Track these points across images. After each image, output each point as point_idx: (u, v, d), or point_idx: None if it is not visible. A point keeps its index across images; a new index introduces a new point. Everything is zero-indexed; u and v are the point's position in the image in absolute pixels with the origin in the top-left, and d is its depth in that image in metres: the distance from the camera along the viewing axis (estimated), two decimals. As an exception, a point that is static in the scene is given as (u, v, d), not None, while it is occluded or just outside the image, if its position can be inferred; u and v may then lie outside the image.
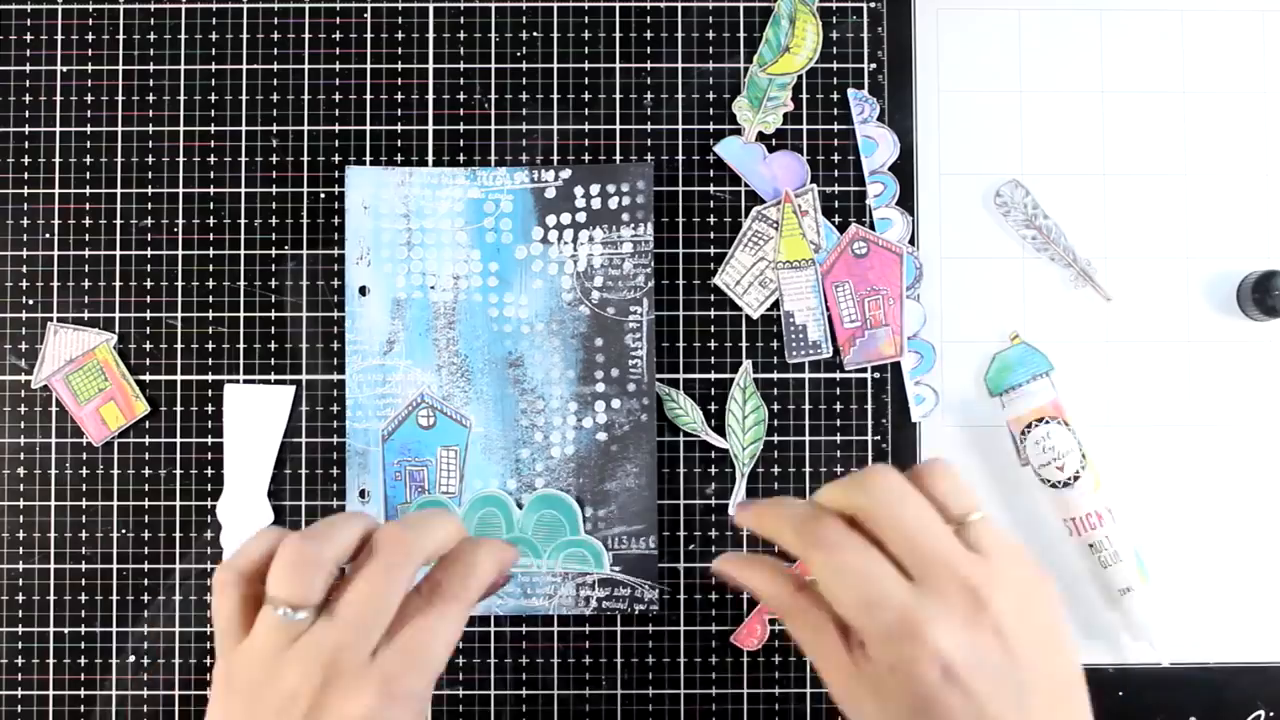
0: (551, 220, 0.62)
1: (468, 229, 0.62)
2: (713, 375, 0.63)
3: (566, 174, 0.62)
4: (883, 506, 0.43)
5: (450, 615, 0.46)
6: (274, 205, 0.63)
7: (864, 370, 0.63)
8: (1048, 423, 0.61)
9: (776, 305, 0.63)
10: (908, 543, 0.42)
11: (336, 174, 0.63)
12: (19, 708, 0.62)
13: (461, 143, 0.63)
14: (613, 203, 0.62)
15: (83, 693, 0.62)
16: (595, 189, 0.62)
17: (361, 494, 0.62)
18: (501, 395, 0.62)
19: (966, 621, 0.40)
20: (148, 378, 0.63)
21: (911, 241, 0.64)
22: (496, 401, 0.62)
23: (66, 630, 0.62)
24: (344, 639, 0.44)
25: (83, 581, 0.62)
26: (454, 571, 0.47)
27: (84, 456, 0.63)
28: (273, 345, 0.63)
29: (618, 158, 0.63)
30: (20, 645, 0.62)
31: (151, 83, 0.63)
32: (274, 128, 0.63)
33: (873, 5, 0.64)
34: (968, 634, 0.40)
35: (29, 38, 0.63)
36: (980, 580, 0.41)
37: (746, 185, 0.64)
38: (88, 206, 0.63)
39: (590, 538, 0.62)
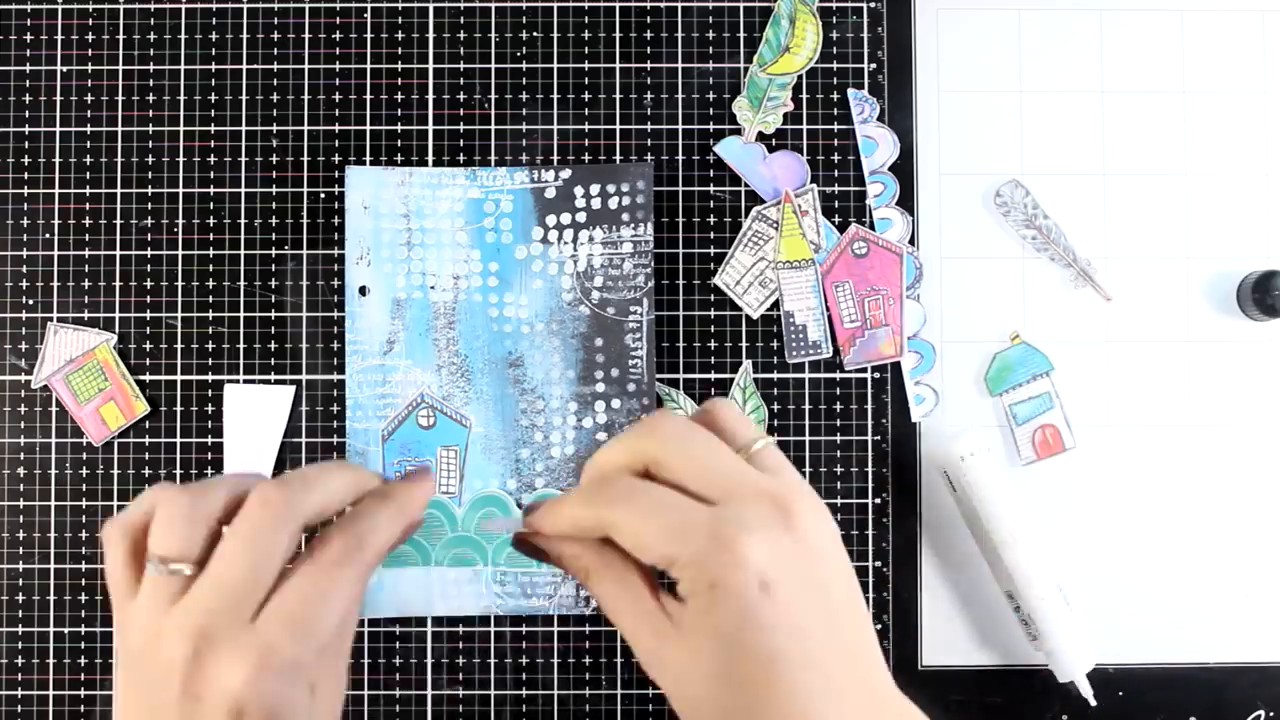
0: (551, 220, 0.62)
1: (468, 229, 0.62)
2: (713, 375, 0.63)
3: (566, 174, 0.62)
4: (673, 445, 0.42)
5: (340, 580, 0.43)
6: (274, 205, 0.63)
7: (864, 370, 0.63)
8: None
9: (776, 305, 0.63)
10: (706, 472, 0.41)
11: (336, 174, 0.63)
12: (19, 708, 0.62)
13: (461, 143, 0.63)
14: (613, 203, 0.62)
15: (83, 693, 0.62)
16: (595, 189, 0.62)
17: (362, 494, 0.62)
18: (501, 395, 0.62)
19: (776, 527, 0.40)
20: (148, 378, 0.63)
21: (911, 241, 0.64)
22: (496, 401, 0.62)
23: (66, 630, 0.62)
24: (213, 604, 0.41)
25: (83, 581, 0.62)
26: (346, 532, 0.44)
27: (84, 456, 0.63)
28: (273, 345, 0.63)
29: (618, 158, 0.63)
30: (20, 645, 0.62)
31: (151, 83, 0.63)
32: (274, 128, 0.63)
33: (873, 5, 0.64)
34: (778, 542, 0.40)
35: (29, 38, 0.63)
36: (781, 492, 0.41)
37: (746, 185, 0.64)
38: (88, 206, 0.63)
39: None
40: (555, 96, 0.64)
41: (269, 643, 0.41)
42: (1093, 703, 0.61)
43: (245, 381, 0.63)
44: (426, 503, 0.48)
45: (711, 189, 0.64)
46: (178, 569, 0.42)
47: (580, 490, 0.43)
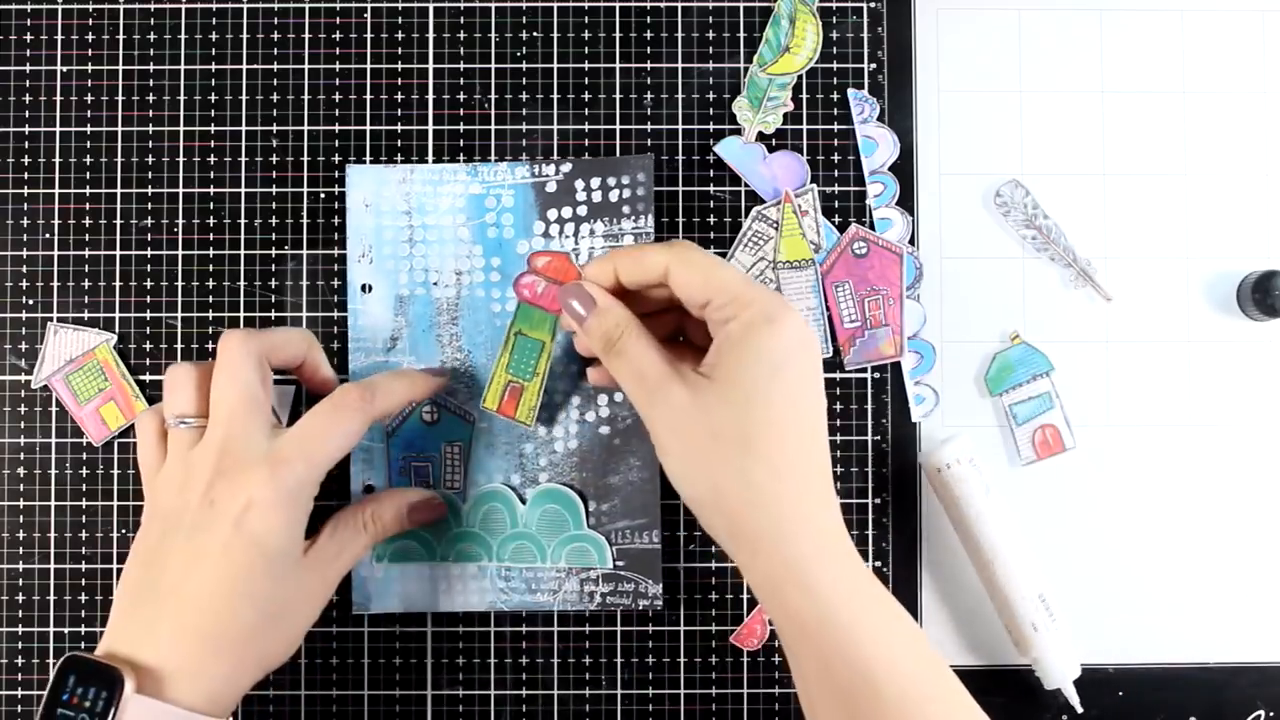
0: (553, 214, 0.62)
1: (469, 224, 0.62)
2: (713, 375, 0.63)
3: (567, 168, 0.62)
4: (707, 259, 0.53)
5: (348, 420, 0.54)
6: (274, 205, 0.63)
7: (864, 370, 0.63)
8: None
9: (777, 305, 0.63)
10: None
11: (337, 174, 0.63)
12: (19, 708, 0.62)
13: (462, 143, 0.63)
14: (613, 195, 0.62)
15: (82, 693, 0.62)
16: (596, 182, 0.62)
17: (368, 489, 0.62)
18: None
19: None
20: (148, 378, 0.63)
21: (911, 241, 0.64)
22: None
23: (66, 630, 0.62)
24: (224, 429, 0.52)
25: (83, 581, 0.62)
26: (363, 387, 0.55)
27: (84, 456, 0.62)
28: (273, 345, 0.63)
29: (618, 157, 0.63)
30: (20, 645, 0.62)
31: (151, 83, 0.63)
32: (274, 128, 0.63)
33: (873, 5, 0.64)
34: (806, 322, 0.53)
35: (29, 38, 0.63)
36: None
37: (746, 185, 0.64)
38: (88, 206, 0.63)
39: (594, 532, 0.62)
40: (555, 96, 0.64)
41: (283, 457, 0.52)
42: (1079, 710, 0.61)
43: (245, 382, 0.63)
44: (436, 390, 0.60)
45: (711, 189, 0.64)
46: (189, 422, 0.53)
47: (652, 244, 0.56)
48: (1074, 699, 0.61)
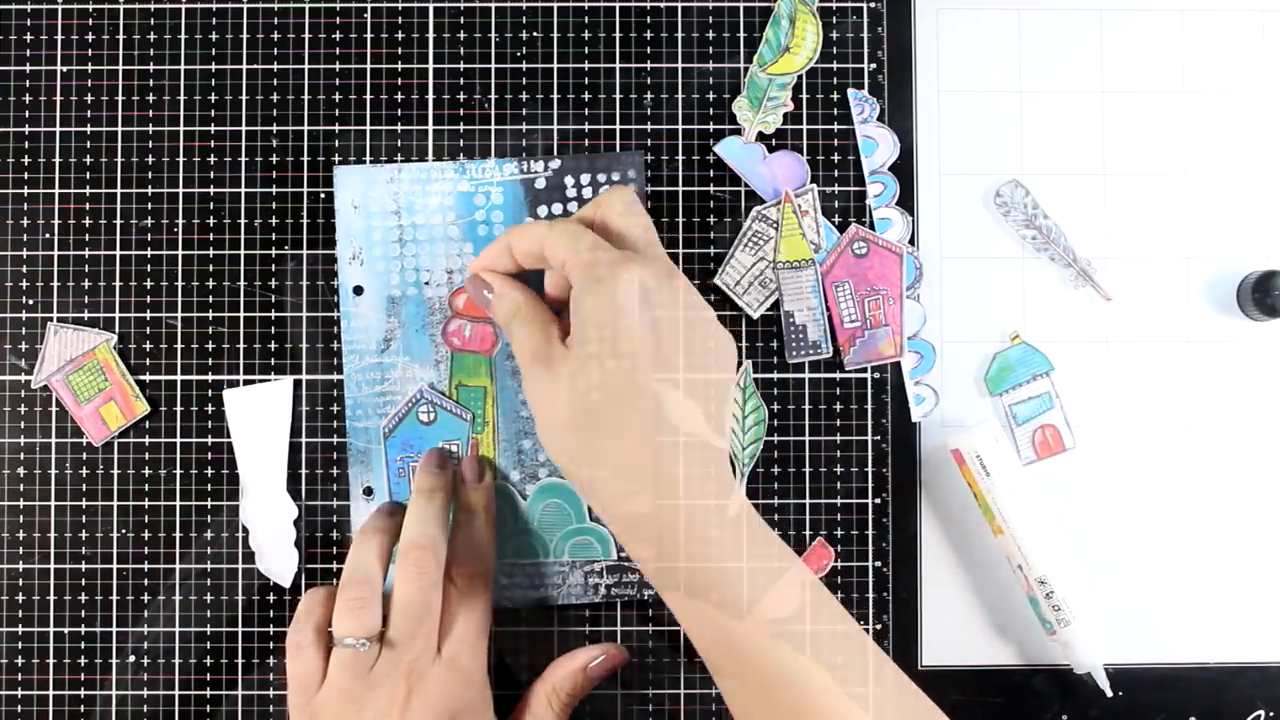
0: (543, 211, 0.62)
1: (459, 222, 0.62)
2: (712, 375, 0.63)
3: (556, 164, 0.62)
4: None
5: (481, 602, 0.57)
6: (273, 205, 0.63)
7: (864, 370, 0.63)
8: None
9: (776, 305, 0.63)
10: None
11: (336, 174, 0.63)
12: (19, 708, 0.62)
13: (461, 143, 0.63)
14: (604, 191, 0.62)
15: (83, 693, 0.62)
16: (586, 178, 0.62)
17: (367, 491, 0.62)
18: (501, 387, 0.62)
19: (667, 270, 0.52)
20: (148, 378, 0.63)
21: (911, 241, 0.64)
22: (497, 394, 0.62)
23: (66, 630, 0.62)
24: (414, 651, 0.54)
25: (83, 581, 0.62)
26: (475, 563, 0.58)
27: (84, 456, 0.62)
28: (272, 345, 0.63)
29: (617, 157, 0.63)
30: (20, 645, 0.62)
31: (151, 83, 0.63)
32: (274, 128, 0.63)
33: (873, 5, 0.64)
34: (663, 272, 0.52)
35: (29, 38, 0.63)
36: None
37: (746, 185, 0.64)
38: (88, 206, 0.63)
39: (597, 525, 0.62)
40: (555, 96, 0.64)
41: (455, 658, 0.55)
42: (1109, 694, 0.60)
43: (245, 382, 0.63)
44: (493, 489, 0.61)
45: (711, 189, 0.64)
46: (365, 644, 0.54)
47: (538, 222, 0.57)
48: (1104, 683, 0.60)
